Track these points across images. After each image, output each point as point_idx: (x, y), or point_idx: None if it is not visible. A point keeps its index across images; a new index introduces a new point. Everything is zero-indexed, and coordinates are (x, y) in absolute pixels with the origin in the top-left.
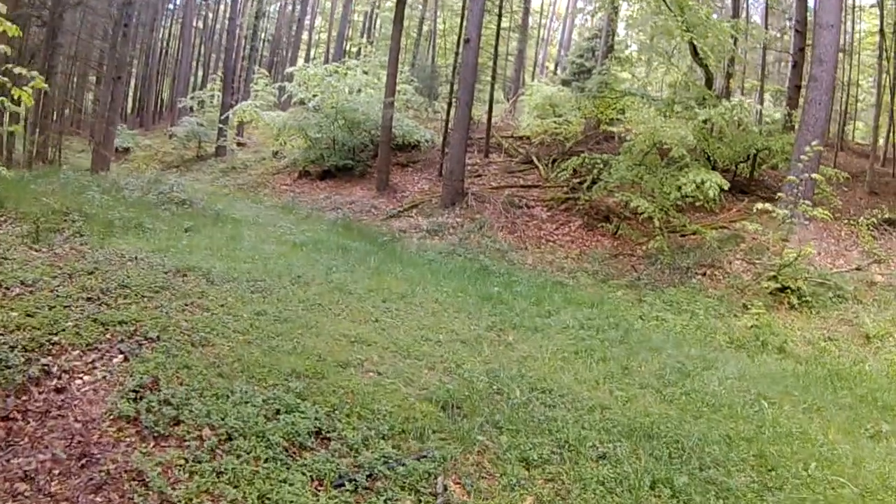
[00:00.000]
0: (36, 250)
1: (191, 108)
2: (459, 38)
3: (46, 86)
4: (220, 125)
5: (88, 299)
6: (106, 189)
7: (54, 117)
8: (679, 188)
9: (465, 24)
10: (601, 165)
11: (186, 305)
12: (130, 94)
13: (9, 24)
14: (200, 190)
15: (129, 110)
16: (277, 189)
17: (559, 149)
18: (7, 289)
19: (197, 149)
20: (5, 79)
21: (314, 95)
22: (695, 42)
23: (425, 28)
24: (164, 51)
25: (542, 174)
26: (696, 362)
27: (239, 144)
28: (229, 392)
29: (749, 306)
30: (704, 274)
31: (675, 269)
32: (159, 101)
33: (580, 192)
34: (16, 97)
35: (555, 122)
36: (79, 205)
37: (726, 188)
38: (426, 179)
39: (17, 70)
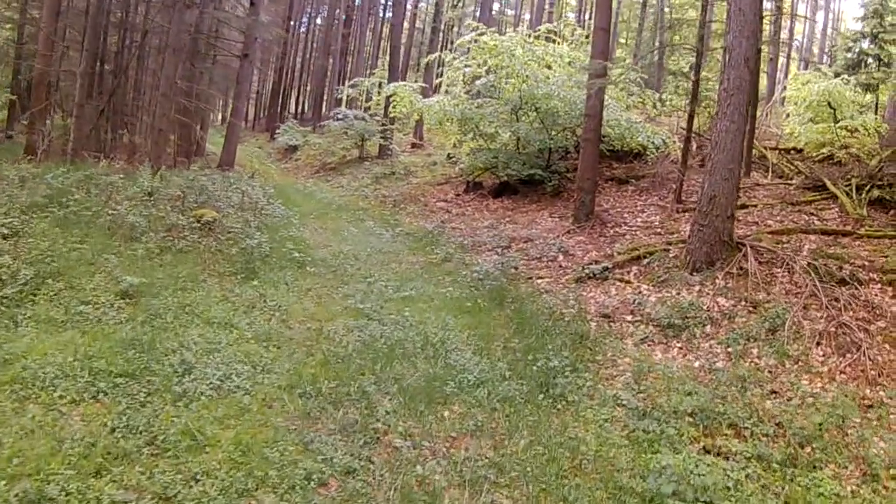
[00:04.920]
0: None
1: (352, 100)
2: None
3: None
4: (382, 120)
5: None
6: (95, 201)
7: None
8: None
9: None
10: None
11: None
12: (326, 90)
13: None
14: (328, 201)
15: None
16: (430, 206)
17: (860, 169)
18: None
19: (360, 148)
20: None
21: (487, 71)
22: None
23: (650, 13)
24: (351, 45)
25: (848, 210)
26: None
27: (413, 146)
28: None
29: None
30: None
31: None
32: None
33: None
34: None
35: (845, 127)
36: None
37: None
38: (655, 206)
39: None
